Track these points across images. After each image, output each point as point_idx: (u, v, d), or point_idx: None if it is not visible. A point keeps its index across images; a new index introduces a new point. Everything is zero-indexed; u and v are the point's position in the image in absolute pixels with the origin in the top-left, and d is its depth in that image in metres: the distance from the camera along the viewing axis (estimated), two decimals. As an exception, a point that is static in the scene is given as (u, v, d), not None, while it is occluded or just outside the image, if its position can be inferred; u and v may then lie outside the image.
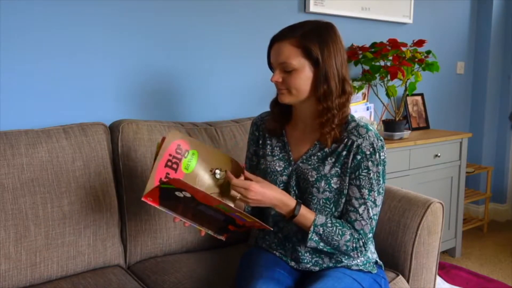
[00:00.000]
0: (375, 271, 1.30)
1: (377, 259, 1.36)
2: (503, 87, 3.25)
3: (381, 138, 1.22)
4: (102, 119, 1.64)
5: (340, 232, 1.19)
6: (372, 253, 1.34)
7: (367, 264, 1.30)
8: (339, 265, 1.27)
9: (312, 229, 1.18)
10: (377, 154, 1.19)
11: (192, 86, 1.99)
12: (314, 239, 1.19)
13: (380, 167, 1.20)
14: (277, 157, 1.30)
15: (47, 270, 1.37)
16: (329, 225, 1.19)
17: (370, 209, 1.20)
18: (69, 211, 1.40)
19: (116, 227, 1.51)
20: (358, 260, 1.29)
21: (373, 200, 1.20)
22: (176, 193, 1.08)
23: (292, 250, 1.30)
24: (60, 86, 1.67)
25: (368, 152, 1.19)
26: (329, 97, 1.18)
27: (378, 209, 1.23)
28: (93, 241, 1.44)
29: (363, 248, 1.21)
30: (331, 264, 1.27)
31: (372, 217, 1.21)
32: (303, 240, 1.25)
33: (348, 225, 1.21)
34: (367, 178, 1.19)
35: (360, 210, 1.20)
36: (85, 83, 1.72)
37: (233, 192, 1.19)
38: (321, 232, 1.18)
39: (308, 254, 1.27)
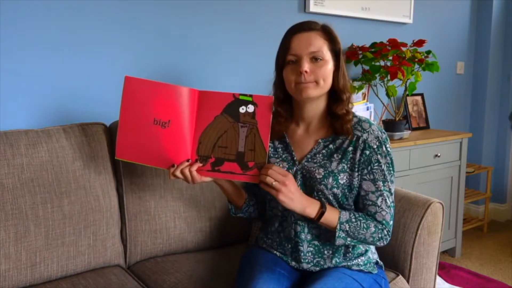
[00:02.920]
0: (375, 272, 1.30)
1: (378, 259, 1.36)
2: (503, 87, 3.25)
3: (384, 130, 1.27)
4: (102, 119, 1.64)
5: (365, 225, 1.21)
6: (372, 253, 1.34)
7: (368, 264, 1.30)
8: (339, 266, 1.27)
9: (338, 227, 1.19)
10: (384, 146, 1.24)
11: (193, 86, 1.98)
12: (341, 236, 1.20)
13: (388, 157, 1.25)
14: (281, 158, 1.30)
15: (47, 270, 1.37)
16: (354, 220, 1.21)
17: (387, 198, 1.23)
18: (69, 211, 1.40)
19: (116, 227, 1.51)
20: (359, 260, 1.29)
21: (388, 189, 1.24)
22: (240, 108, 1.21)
23: (293, 250, 1.29)
24: (60, 86, 1.67)
25: (375, 146, 1.23)
26: (347, 89, 1.25)
27: (393, 196, 1.27)
28: (93, 241, 1.44)
29: (387, 237, 1.24)
30: (331, 265, 1.27)
31: (390, 205, 1.24)
32: (313, 238, 1.26)
33: (370, 217, 1.23)
34: (379, 170, 1.23)
35: (378, 202, 1.23)
36: (85, 83, 1.72)
37: (268, 179, 1.16)
38: (347, 229, 1.20)
39: (309, 254, 1.27)
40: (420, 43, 2.34)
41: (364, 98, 2.45)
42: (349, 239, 1.21)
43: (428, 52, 2.35)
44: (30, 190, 1.35)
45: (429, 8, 2.86)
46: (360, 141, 1.23)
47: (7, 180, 1.33)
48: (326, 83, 1.22)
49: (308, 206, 1.19)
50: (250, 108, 1.21)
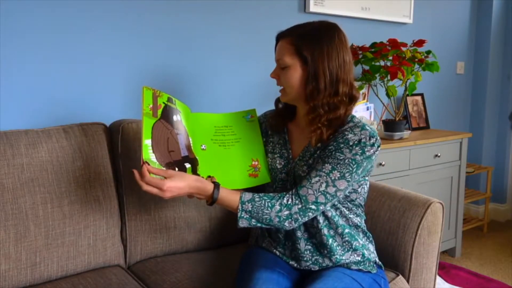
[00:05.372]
0: (374, 271, 1.30)
1: (377, 260, 1.36)
2: (503, 87, 3.25)
3: (377, 137, 1.21)
4: (102, 119, 1.64)
5: (269, 204, 1.16)
6: (370, 252, 1.34)
7: (367, 264, 1.30)
8: (338, 264, 1.27)
9: (240, 207, 1.16)
10: (359, 147, 1.17)
11: (193, 85, 1.99)
12: (244, 217, 1.17)
13: (358, 157, 1.17)
14: (278, 155, 1.31)
15: (47, 270, 1.37)
16: (257, 199, 1.17)
17: (324, 184, 1.16)
18: (69, 211, 1.40)
19: (116, 227, 1.51)
20: (356, 255, 1.28)
21: (332, 178, 1.16)
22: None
23: (292, 249, 1.30)
24: (60, 86, 1.67)
25: (351, 143, 1.18)
26: (316, 96, 1.19)
27: (335, 192, 1.17)
28: (93, 241, 1.45)
29: (298, 216, 1.16)
30: (330, 264, 1.27)
31: (323, 192, 1.16)
32: (310, 236, 1.26)
33: (281, 193, 1.18)
34: (336, 158, 1.17)
35: (313, 180, 1.17)
36: (85, 83, 1.72)
37: (146, 188, 1.10)
38: (250, 209, 1.16)
39: (307, 252, 1.27)
40: (420, 43, 2.34)
41: (364, 98, 2.45)
42: (253, 221, 1.17)
43: (428, 52, 2.35)
44: (30, 190, 1.35)
45: (429, 8, 2.86)
46: (344, 139, 1.19)
47: (7, 180, 1.33)
48: (292, 89, 1.22)
49: (198, 193, 1.15)
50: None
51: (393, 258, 1.51)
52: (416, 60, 2.28)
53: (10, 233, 1.31)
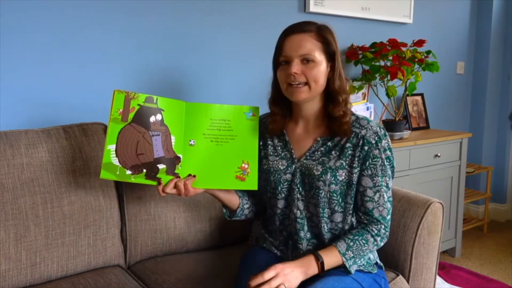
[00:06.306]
0: (375, 271, 1.30)
1: (377, 260, 1.36)
2: (503, 87, 3.25)
3: (382, 127, 1.27)
4: (102, 119, 1.64)
5: (364, 241, 1.22)
6: (372, 253, 1.34)
7: (367, 264, 1.30)
8: (339, 265, 1.27)
9: (344, 260, 1.20)
10: (383, 141, 1.24)
11: (192, 85, 1.99)
12: (351, 264, 1.21)
13: (388, 153, 1.26)
14: (280, 156, 1.30)
15: (47, 270, 1.37)
16: (351, 243, 1.21)
17: (384, 193, 1.25)
18: (69, 211, 1.40)
19: (116, 227, 1.51)
20: (364, 262, 1.29)
21: (385, 184, 1.25)
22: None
23: (293, 248, 1.30)
24: (60, 86, 1.67)
25: (373, 141, 1.23)
26: (344, 91, 1.25)
27: (391, 192, 1.28)
28: (93, 241, 1.45)
29: (386, 232, 1.26)
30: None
31: (388, 200, 1.26)
32: (312, 237, 1.28)
33: (363, 226, 1.24)
34: (377, 165, 1.23)
35: (376, 197, 1.24)
36: (85, 83, 1.72)
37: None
38: (352, 255, 1.21)
39: (308, 251, 1.27)
40: (420, 43, 2.34)
41: (364, 98, 2.45)
42: (358, 261, 1.23)
43: (428, 52, 2.35)
44: (30, 190, 1.35)
45: (429, 8, 2.86)
46: (359, 137, 1.23)
47: (7, 180, 1.33)
48: (318, 85, 1.22)
49: (308, 268, 1.17)
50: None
51: (393, 258, 1.51)
52: (416, 60, 2.28)
53: (10, 233, 1.31)
